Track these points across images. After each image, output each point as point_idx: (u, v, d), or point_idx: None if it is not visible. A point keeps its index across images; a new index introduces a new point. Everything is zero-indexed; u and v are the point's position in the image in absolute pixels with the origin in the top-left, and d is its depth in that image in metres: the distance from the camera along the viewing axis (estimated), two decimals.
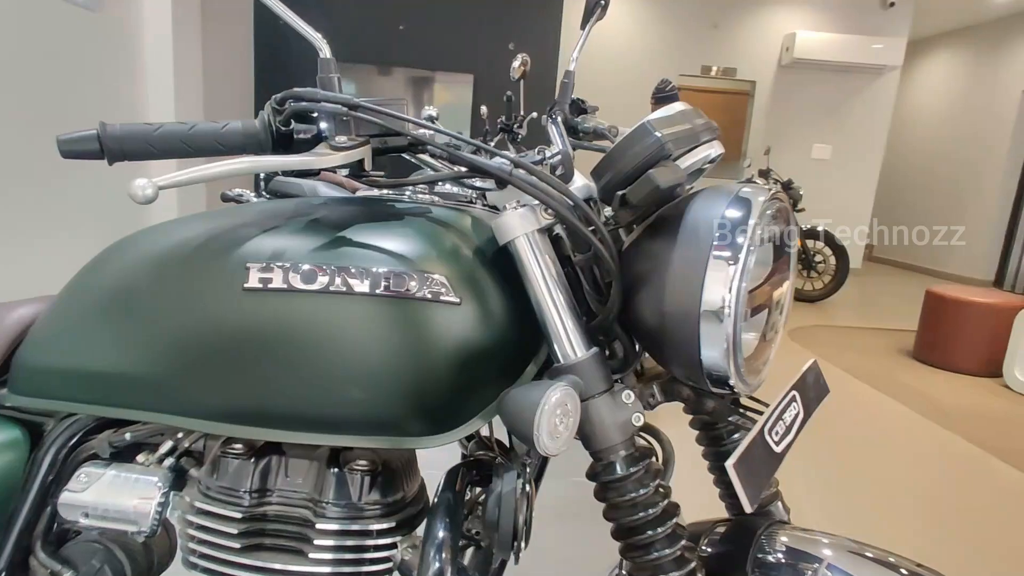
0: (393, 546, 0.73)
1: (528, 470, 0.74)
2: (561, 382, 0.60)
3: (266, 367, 0.63)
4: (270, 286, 0.63)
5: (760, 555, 0.72)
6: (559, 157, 0.73)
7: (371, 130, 0.63)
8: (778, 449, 0.67)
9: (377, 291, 0.62)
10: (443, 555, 0.67)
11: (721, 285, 0.59)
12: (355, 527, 0.71)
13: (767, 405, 0.70)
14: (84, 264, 0.75)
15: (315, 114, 0.63)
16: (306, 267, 0.63)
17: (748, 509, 0.62)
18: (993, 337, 3.69)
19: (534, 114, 1.37)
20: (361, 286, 0.62)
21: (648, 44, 6.82)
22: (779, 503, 0.85)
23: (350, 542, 0.71)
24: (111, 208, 2.59)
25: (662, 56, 6.83)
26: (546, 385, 0.59)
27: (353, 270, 0.63)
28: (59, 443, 0.79)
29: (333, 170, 0.63)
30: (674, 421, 0.91)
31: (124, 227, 1.03)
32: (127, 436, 0.77)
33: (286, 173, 0.61)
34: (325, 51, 0.64)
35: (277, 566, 0.71)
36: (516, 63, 1.03)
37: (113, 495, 0.73)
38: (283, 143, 0.63)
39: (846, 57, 6.75)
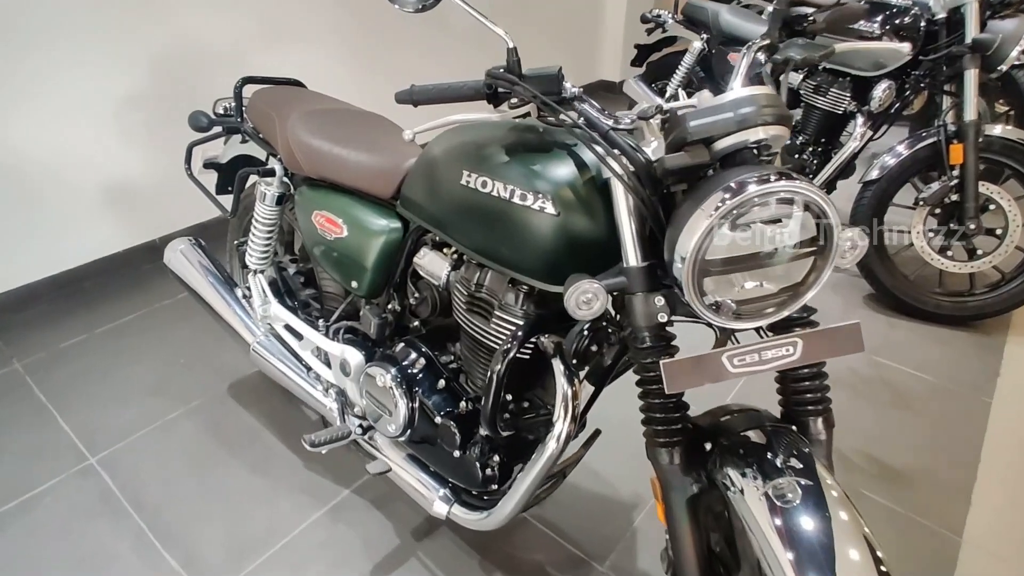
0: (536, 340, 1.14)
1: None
2: (599, 281, 0.91)
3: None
4: (478, 188, 1.09)
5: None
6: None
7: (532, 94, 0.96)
8: (732, 370, 0.86)
9: (514, 200, 1.04)
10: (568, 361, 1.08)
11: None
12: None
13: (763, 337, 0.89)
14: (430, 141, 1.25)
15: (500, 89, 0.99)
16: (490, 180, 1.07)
17: None
18: None
19: None
20: (512, 198, 1.04)
21: None
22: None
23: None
24: None
25: None
26: (592, 279, 0.91)
27: (511, 188, 1.04)
28: (415, 235, 1.37)
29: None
30: None
31: None
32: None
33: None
34: (510, 43, 0.97)
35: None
36: None
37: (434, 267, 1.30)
38: (491, 98, 1.00)
39: None
